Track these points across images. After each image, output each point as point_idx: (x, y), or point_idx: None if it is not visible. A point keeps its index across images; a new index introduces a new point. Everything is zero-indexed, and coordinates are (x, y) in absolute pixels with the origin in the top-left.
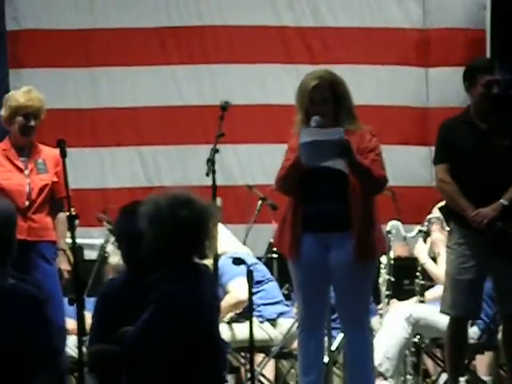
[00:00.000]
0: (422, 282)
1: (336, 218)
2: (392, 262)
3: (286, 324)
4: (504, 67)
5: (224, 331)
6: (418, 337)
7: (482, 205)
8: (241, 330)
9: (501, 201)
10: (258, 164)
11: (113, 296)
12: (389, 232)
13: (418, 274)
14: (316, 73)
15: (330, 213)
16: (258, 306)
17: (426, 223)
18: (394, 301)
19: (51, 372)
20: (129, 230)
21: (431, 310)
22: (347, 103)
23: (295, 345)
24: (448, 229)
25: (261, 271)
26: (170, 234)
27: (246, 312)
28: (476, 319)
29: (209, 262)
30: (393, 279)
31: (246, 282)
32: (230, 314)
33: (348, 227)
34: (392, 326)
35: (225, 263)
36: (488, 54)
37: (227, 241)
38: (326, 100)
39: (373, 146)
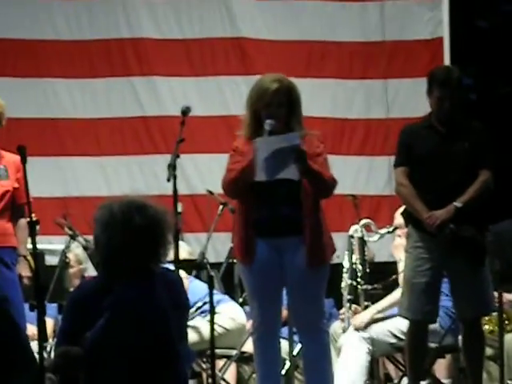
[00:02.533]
0: (366, 287)
1: (289, 222)
2: (354, 266)
3: (227, 310)
4: (464, 72)
5: None
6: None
7: (439, 208)
8: (199, 332)
9: (454, 203)
10: (216, 173)
11: (83, 299)
12: (351, 236)
13: (359, 279)
14: (273, 76)
15: (283, 217)
16: (195, 302)
17: (391, 229)
18: (356, 307)
19: (26, 372)
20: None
21: (381, 325)
22: (299, 110)
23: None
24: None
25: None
26: (122, 241)
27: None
28: (433, 323)
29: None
30: (354, 284)
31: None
32: None
33: (300, 231)
34: (350, 352)
35: None
36: (447, 61)
37: None
38: (282, 105)
39: (320, 151)
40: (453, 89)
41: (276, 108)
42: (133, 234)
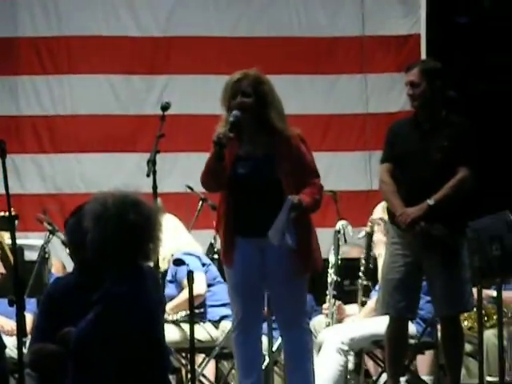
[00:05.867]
0: (365, 283)
1: (271, 222)
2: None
3: (229, 327)
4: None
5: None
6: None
7: (415, 205)
8: (182, 331)
9: (427, 201)
10: (193, 172)
11: (59, 296)
12: (338, 232)
13: (360, 274)
14: (241, 71)
15: (264, 216)
16: (205, 307)
17: (369, 224)
18: (340, 303)
19: None
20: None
21: (359, 326)
22: (275, 103)
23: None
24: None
25: (213, 273)
26: (115, 236)
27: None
28: (411, 319)
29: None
30: (338, 279)
31: (202, 277)
32: (182, 314)
33: None
34: (325, 363)
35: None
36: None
37: (185, 238)
38: (247, 95)
39: (304, 151)
40: (415, 75)
41: (240, 98)
42: (126, 230)
